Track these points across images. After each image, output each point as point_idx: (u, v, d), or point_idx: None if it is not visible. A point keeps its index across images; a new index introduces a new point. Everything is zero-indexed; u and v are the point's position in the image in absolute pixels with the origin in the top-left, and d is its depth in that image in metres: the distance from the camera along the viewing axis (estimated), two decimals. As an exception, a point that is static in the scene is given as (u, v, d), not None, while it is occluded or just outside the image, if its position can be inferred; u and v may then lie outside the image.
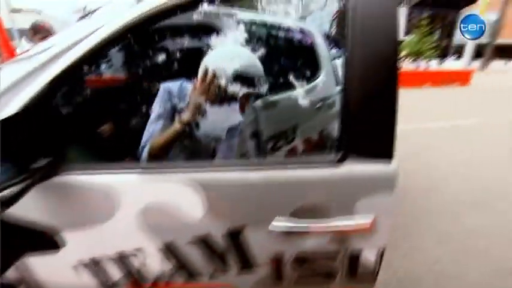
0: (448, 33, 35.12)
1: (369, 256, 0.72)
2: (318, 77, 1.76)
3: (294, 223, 0.66)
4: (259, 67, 0.93)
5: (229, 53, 0.92)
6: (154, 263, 0.74)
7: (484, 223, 2.13)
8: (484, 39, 25.36)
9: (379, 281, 0.78)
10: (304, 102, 1.62)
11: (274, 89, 1.55)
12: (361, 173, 0.64)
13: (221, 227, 0.69)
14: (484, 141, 4.24)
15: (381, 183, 0.64)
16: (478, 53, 24.47)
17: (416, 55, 21.26)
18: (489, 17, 22.01)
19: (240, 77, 0.86)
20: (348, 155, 0.64)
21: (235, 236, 0.70)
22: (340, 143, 0.66)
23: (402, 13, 31.76)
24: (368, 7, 0.61)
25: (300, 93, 1.60)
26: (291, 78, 1.66)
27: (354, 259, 0.72)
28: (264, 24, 1.57)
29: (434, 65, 21.27)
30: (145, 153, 0.86)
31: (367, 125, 0.63)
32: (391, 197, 0.65)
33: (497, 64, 26.73)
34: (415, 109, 6.82)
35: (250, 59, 0.92)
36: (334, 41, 2.25)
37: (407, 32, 29.35)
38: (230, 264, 0.74)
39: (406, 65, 17.64)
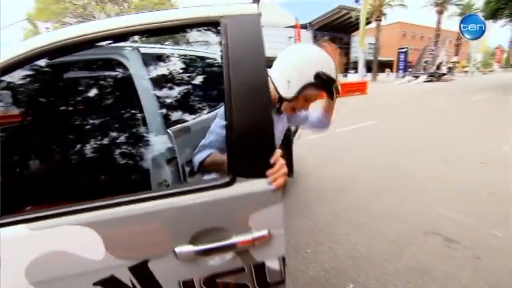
0: (346, 52, 42.51)
1: (272, 265, 0.76)
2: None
3: (196, 247, 0.67)
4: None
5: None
6: None
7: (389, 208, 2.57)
8: (370, 57, 31.74)
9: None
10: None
11: (188, 113, 1.57)
12: (249, 191, 0.69)
13: (124, 265, 0.67)
14: (380, 137, 5.20)
15: (268, 198, 0.70)
16: (368, 68, 30.44)
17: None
18: (368, 40, 27.84)
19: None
20: (236, 177, 0.68)
21: (140, 272, 0.68)
22: (230, 167, 0.71)
23: (308, 35, 36.87)
24: (241, 68, 0.71)
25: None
26: (204, 103, 1.72)
27: (261, 270, 0.76)
28: (183, 55, 1.61)
29: (339, 79, 25.14)
30: (203, 157, 0.89)
31: (249, 151, 0.70)
32: (279, 209, 0.71)
33: (382, 76, 33.77)
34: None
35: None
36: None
37: (315, 52, 34.00)
38: None
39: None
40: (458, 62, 38.58)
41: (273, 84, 0.94)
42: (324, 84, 0.89)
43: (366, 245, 2.00)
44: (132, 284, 0.68)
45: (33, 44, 0.69)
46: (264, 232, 0.70)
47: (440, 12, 36.48)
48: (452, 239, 2.01)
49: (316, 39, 35.38)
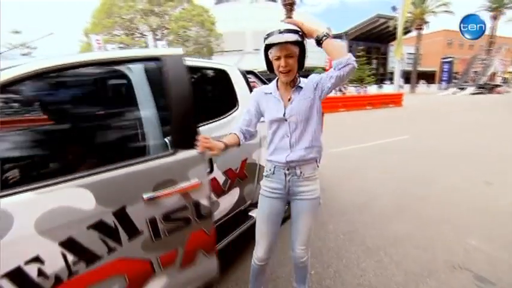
0: (383, 62, 40.65)
1: (204, 203, 1.21)
2: (235, 110, 1.85)
3: (156, 193, 1.06)
4: None
5: None
6: (55, 262, 0.90)
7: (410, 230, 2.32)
8: (408, 67, 29.88)
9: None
10: (218, 134, 1.68)
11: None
12: (186, 156, 1.15)
13: (109, 211, 0.98)
14: (411, 153, 4.79)
15: (197, 160, 1.17)
16: (407, 78, 28.65)
17: (359, 81, 23.93)
18: (407, 50, 26.24)
19: None
20: (178, 149, 1.14)
21: (120, 215, 1.00)
22: (174, 144, 1.14)
23: (343, 45, 36.00)
24: (175, 84, 1.16)
25: (215, 126, 1.66)
26: (208, 113, 1.73)
27: (197, 206, 1.19)
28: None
29: (374, 89, 24.11)
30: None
31: (183, 135, 1.16)
32: (204, 167, 1.20)
33: (422, 87, 31.43)
34: (358, 130, 7.50)
35: None
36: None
37: (349, 62, 33.03)
38: (121, 238, 1.01)
39: (351, 91, 19.62)
40: (514, 73, 34.58)
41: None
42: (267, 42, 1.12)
43: (377, 272, 1.81)
44: (115, 224, 0.99)
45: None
46: (197, 180, 1.16)
47: (494, 18, 33.05)
48: (485, 278, 1.73)
49: (351, 49, 34.71)
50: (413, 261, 1.92)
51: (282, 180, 1.25)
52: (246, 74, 2.06)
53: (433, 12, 28.44)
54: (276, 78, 1.28)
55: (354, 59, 1.11)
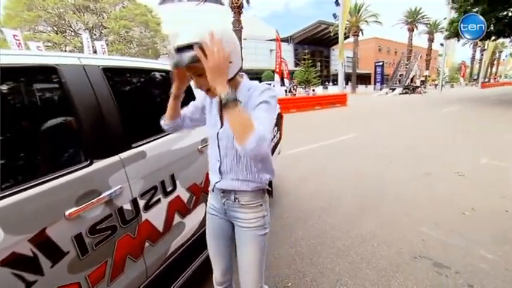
0: (326, 65, 44.01)
1: (127, 207, 1.16)
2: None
3: (80, 207, 0.95)
4: None
5: None
6: None
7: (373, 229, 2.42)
8: (349, 70, 33.03)
9: None
10: (180, 146, 1.47)
11: (144, 135, 1.34)
12: (103, 165, 1.07)
13: (23, 239, 0.81)
14: (362, 151, 5.16)
15: (114, 167, 1.11)
16: (347, 80, 31.57)
17: (306, 83, 25.35)
18: (346, 54, 29.05)
19: None
20: (93, 160, 1.05)
21: (40, 240, 0.85)
22: (89, 155, 1.04)
23: (289, 48, 37.84)
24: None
25: (174, 137, 1.44)
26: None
27: (121, 212, 1.13)
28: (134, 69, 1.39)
29: (320, 90, 25.83)
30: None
31: (96, 147, 1.07)
32: (122, 173, 1.14)
33: (361, 88, 35.10)
34: (310, 130, 7.84)
35: None
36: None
37: (296, 65, 34.96)
38: (43, 266, 0.86)
39: (300, 92, 20.62)
40: (429, 76, 41.08)
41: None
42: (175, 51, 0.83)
43: (351, 274, 1.81)
44: (33, 252, 0.83)
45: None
46: (119, 186, 1.10)
47: (411, 30, 39.29)
48: (442, 264, 1.88)
49: (296, 52, 36.69)
50: (381, 257, 1.98)
51: (219, 200, 1.07)
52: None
53: (365, 21, 32.05)
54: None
55: (261, 143, 0.74)
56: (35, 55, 0.95)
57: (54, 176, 0.90)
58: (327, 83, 32.39)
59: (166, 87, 1.69)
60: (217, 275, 1.15)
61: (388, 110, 12.49)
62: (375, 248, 2.11)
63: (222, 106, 0.78)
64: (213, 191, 1.08)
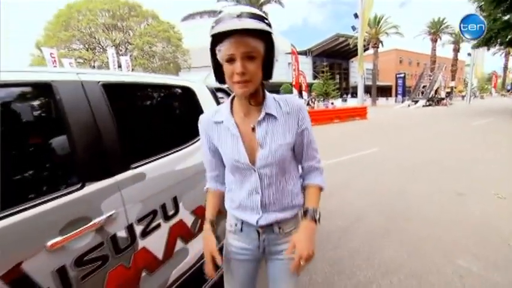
0: (345, 77, 43.50)
1: (121, 234, 1.04)
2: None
3: (64, 236, 0.85)
4: None
5: None
6: None
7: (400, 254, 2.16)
8: (368, 82, 32.39)
9: None
10: (184, 166, 1.37)
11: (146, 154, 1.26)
12: (96, 188, 0.97)
13: None
14: (384, 167, 4.84)
15: (108, 190, 1.00)
16: (368, 92, 30.86)
17: (324, 95, 25.06)
18: (366, 66, 28.58)
19: None
20: (85, 183, 0.95)
21: (13, 276, 0.74)
22: (81, 177, 0.95)
23: (308, 61, 37.92)
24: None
25: (178, 157, 1.34)
26: (168, 140, 1.40)
27: (114, 240, 1.01)
28: (136, 85, 1.33)
29: (339, 103, 25.39)
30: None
31: (90, 169, 0.97)
32: (118, 197, 1.03)
33: (382, 100, 34.16)
34: (329, 144, 7.58)
35: None
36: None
37: (314, 77, 34.83)
38: None
39: (318, 105, 20.36)
40: (455, 87, 39.20)
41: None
42: (215, 33, 0.69)
43: (375, 315, 1.58)
44: None
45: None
46: (113, 211, 1.00)
47: (434, 41, 38.10)
48: (485, 307, 1.59)
49: (315, 65, 36.78)
50: (410, 295, 1.73)
51: (254, 239, 0.91)
52: (215, 91, 1.79)
53: (386, 33, 31.53)
54: (230, 97, 0.88)
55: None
56: (30, 71, 0.91)
57: (37, 202, 0.81)
58: (345, 96, 31.78)
59: (171, 104, 1.63)
60: None
61: (411, 123, 11.90)
62: (401, 282, 1.86)
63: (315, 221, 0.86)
64: (241, 230, 0.91)
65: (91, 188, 0.96)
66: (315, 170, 0.94)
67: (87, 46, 22.23)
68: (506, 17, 12.43)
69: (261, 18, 0.70)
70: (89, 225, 0.92)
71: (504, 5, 11.08)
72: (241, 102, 0.82)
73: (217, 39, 0.72)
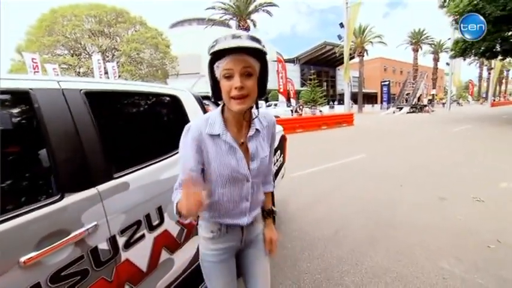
0: (332, 85, 44.52)
1: (103, 247, 1.00)
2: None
3: (40, 251, 0.81)
4: None
5: None
6: None
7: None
8: (355, 89, 33.26)
9: None
10: (170, 175, 1.35)
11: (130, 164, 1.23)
12: (76, 199, 0.94)
13: None
14: (371, 173, 4.94)
15: (90, 200, 0.97)
16: (354, 100, 31.67)
17: (313, 102, 25.47)
18: (352, 74, 29.44)
19: None
20: (64, 193, 0.92)
21: None
22: (59, 188, 0.91)
23: (296, 69, 38.60)
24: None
25: (163, 166, 1.33)
26: (154, 149, 1.38)
27: (95, 253, 0.97)
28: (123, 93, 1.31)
29: (326, 110, 25.87)
30: (174, 203, 0.85)
31: (69, 173, 0.94)
32: (100, 207, 1.00)
33: (368, 107, 35.11)
34: (317, 151, 7.68)
35: None
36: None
37: (302, 85, 35.45)
38: None
39: (306, 112, 20.63)
40: (436, 95, 40.86)
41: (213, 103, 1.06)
42: (214, 51, 0.78)
43: (363, 321, 1.59)
44: None
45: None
46: (93, 223, 0.96)
47: (415, 50, 39.85)
48: (467, 309, 1.64)
49: (303, 72, 37.55)
50: (396, 299, 1.75)
51: (239, 235, 0.99)
52: (202, 99, 1.79)
53: (370, 42, 32.68)
54: (218, 109, 0.89)
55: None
56: (7, 79, 0.88)
57: (11, 215, 0.77)
58: (331, 103, 32.40)
59: (156, 112, 1.61)
60: None
61: (396, 130, 12.26)
62: (388, 285, 1.88)
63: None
64: (227, 232, 0.96)
65: (71, 199, 0.92)
66: (270, 182, 1.12)
67: (72, 52, 21.74)
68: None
69: (258, 41, 0.78)
70: (67, 238, 0.88)
71: (477, 18, 11.79)
72: (236, 117, 0.88)
73: (216, 56, 0.78)
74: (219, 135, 0.86)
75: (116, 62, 20.89)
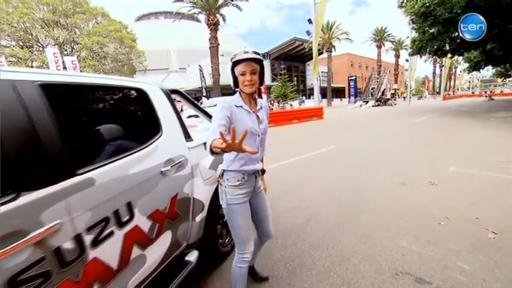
0: (302, 80, 45.56)
1: (67, 246, 0.97)
2: (158, 137, 1.52)
3: None
4: None
5: None
6: None
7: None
8: (324, 84, 34.36)
9: None
10: (139, 170, 1.32)
11: (96, 159, 1.18)
12: (35, 198, 0.89)
13: None
14: (340, 163, 5.21)
15: (51, 198, 0.93)
16: (323, 94, 32.80)
17: (283, 97, 25.92)
18: (321, 69, 30.42)
19: None
20: (20, 192, 0.86)
21: None
22: (14, 187, 0.86)
23: (266, 64, 38.83)
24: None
25: (131, 160, 1.29)
26: (121, 143, 1.33)
27: (59, 253, 0.94)
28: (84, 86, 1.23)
29: (296, 104, 26.50)
30: (208, 144, 1.11)
31: (24, 170, 0.89)
32: (63, 205, 0.96)
33: (336, 101, 36.62)
34: (289, 144, 7.87)
35: None
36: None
37: (273, 80, 35.82)
38: None
39: (277, 107, 20.98)
40: (398, 89, 43.90)
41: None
42: (234, 61, 1.34)
43: (333, 299, 1.70)
44: None
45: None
46: (55, 222, 0.92)
47: (379, 47, 42.25)
48: (423, 279, 1.83)
49: (273, 68, 37.71)
50: (362, 277, 1.90)
51: (253, 182, 1.46)
52: (170, 93, 1.75)
53: (338, 38, 33.94)
54: (237, 93, 1.42)
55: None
56: None
57: None
58: (302, 97, 33.21)
59: (122, 106, 1.55)
60: (252, 246, 1.48)
61: (363, 122, 12.99)
62: (356, 266, 2.03)
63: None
64: (247, 180, 1.40)
65: (28, 198, 0.87)
66: (264, 149, 1.55)
67: (21, 43, 19.60)
68: (432, 30, 14.41)
69: (258, 54, 1.34)
70: (25, 239, 0.83)
71: (429, 19, 12.77)
72: (247, 98, 1.41)
73: (235, 63, 1.33)
74: (241, 106, 1.37)
75: (77, 56, 19.26)
